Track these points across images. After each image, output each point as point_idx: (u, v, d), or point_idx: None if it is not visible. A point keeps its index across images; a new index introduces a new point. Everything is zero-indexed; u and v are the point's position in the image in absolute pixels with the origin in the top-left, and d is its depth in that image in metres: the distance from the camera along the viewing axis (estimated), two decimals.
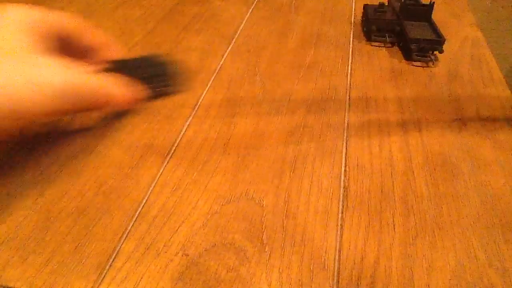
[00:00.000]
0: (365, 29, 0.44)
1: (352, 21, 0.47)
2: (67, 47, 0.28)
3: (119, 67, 0.27)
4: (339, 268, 0.22)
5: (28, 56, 0.25)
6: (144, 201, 0.25)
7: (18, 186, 0.26)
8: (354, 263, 0.22)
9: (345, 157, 0.29)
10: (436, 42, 0.39)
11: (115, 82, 0.27)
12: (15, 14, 0.26)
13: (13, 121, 0.24)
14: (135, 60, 0.28)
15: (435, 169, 0.28)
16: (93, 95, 0.26)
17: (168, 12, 0.47)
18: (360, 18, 0.47)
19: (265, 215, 0.25)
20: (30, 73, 0.25)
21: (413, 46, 0.39)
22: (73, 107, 0.25)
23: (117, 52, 0.30)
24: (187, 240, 0.23)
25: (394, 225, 0.24)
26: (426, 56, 0.39)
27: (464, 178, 0.28)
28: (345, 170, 0.28)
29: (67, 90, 0.25)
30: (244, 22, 0.46)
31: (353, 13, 0.49)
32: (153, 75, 0.28)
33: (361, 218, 0.25)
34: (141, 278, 0.21)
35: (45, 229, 0.23)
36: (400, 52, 0.41)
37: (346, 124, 0.32)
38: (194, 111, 0.32)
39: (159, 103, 0.32)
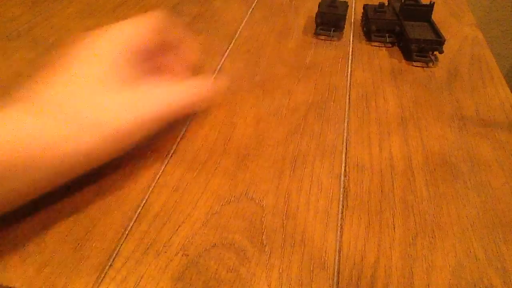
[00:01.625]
0: (365, 29, 0.44)
1: (352, 21, 0.47)
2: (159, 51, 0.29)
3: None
4: (339, 268, 0.22)
5: (132, 90, 0.26)
6: (144, 201, 0.25)
7: None
8: (354, 263, 0.22)
9: (345, 157, 0.29)
10: (436, 42, 0.39)
11: (203, 84, 0.30)
12: (107, 42, 0.26)
13: (117, 153, 0.25)
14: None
15: (435, 169, 0.28)
16: (192, 107, 0.30)
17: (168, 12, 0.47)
18: (360, 18, 0.47)
19: (265, 215, 0.25)
20: (136, 108, 0.25)
21: (413, 46, 0.39)
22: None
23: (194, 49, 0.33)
24: (187, 240, 0.23)
25: (394, 225, 0.24)
26: (426, 56, 0.39)
27: (464, 178, 0.28)
28: (345, 170, 0.28)
29: (171, 113, 0.27)
30: (244, 22, 0.45)
31: (353, 13, 0.49)
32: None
33: (361, 218, 0.25)
34: (141, 278, 0.21)
35: (45, 229, 0.23)
36: (400, 52, 0.41)
37: (346, 124, 0.32)
38: (194, 111, 0.32)
39: None
